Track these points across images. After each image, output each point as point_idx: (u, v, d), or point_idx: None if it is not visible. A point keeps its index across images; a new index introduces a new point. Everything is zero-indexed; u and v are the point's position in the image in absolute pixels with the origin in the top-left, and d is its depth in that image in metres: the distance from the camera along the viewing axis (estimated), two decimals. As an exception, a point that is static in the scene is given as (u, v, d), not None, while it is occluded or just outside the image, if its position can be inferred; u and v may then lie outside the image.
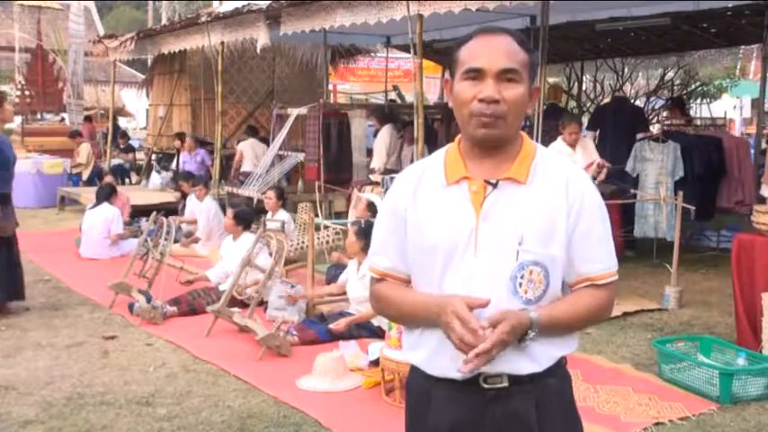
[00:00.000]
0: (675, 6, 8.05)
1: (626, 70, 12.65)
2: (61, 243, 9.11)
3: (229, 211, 7.04)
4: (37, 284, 7.16)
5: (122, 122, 22.99)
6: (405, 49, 10.90)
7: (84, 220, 8.66)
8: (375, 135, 9.98)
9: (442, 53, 11.00)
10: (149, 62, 15.21)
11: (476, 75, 1.73)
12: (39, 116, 16.28)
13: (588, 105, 13.36)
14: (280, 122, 10.56)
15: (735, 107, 21.71)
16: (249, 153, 11.13)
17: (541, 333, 1.72)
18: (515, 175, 1.76)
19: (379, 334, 5.21)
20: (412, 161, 8.14)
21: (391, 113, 10.36)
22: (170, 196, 11.17)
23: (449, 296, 1.71)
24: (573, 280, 1.80)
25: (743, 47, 11.30)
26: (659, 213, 7.68)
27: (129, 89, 21.70)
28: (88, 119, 16.32)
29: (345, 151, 9.87)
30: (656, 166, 7.95)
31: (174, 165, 12.24)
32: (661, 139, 8.12)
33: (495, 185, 1.75)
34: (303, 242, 7.58)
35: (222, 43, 9.84)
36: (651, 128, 9.51)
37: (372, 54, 14.56)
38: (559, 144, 6.98)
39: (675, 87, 13.49)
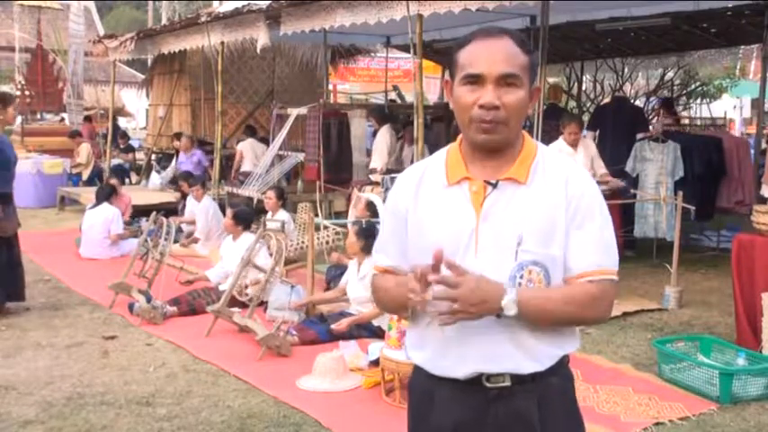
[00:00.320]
0: (675, 6, 8.05)
1: (626, 70, 12.65)
2: (61, 243, 9.11)
3: (229, 212, 7.04)
4: (37, 284, 7.16)
5: (122, 122, 22.99)
6: (405, 49, 10.90)
7: (83, 220, 8.66)
8: (374, 135, 9.97)
9: (442, 53, 11.01)
10: (149, 62, 15.21)
11: (475, 80, 1.72)
12: (39, 116, 16.28)
13: (588, 105, 13.36)
14: (280, 122, 10.56)
15: (735, 107, 21.71)
16: (249, 153, 11.13)
17: (522, 309, 1.67)
18: (515, 175, 1.76)
19: (379, 334, 5.21)
20: (412, 161, 8.15)
21: (390, 114, 10.35)
22: (170, 196, 11.17)
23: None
24: (567, 276, 1.77)
25: (743, 47, 11.31)
26: (659, 213, 7.69)
27: (129, 89, 21.70)
28: (88, 119, 16.31)
29: (345, 151, 9.88)
30: (656, 166, 7.95)
31: (171, 165, 12.24)
32: (661, 139, 8.12)
33: (494, 186, 1.75)
34: (303, 242, 7.58)
35: (222, 43, 9.84)
36: (650, 127, 9.49)
37: (372, 54, 14.56)
38: (560, 144, 6.98)
39: (675, 87, 13.50)
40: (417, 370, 1.89)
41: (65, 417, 4.12)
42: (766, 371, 4.45)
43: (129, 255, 7.23)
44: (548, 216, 1.74)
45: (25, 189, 12.49)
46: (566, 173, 1.78)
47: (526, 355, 1.74)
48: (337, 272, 6.69)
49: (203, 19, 9.91)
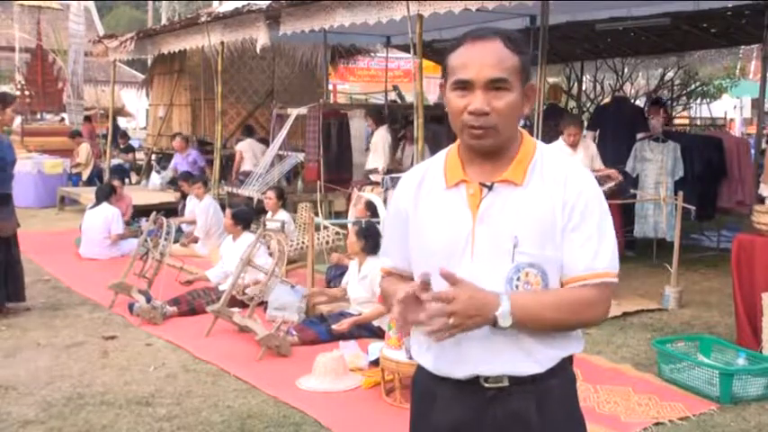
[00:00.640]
0: (675, 6, 8.05)
1: (626, 70, 12.65)
2: (61, 243, 9.12)
3: (228, 212, 7.04)
4: (37, 284, 7.16)
5: (122, 122, 22.99)
6: (405, 49, 10.90)
7: (83, 220, 8.66)
8: (370, 135, 9.95)
9: (441, 53, 10.97)
10: (149, 62, 15.21)
11: (464, 86, 1.72)
12: (39, 116, 16.27)
13: (588, 105, 13.36)
14: (280, 122, 10.56)
15: (735, 107, 21.71)
16: (248, 153, 11.14)
17: (517, 317, 1.65)
18: (511, 177, 1.75)
19: (379, 334, 5.21)
20: (412, 161, 8.15)
21: (389, 113, 10.34)
22: (170, 196, 11.18)
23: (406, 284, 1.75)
24: (564, 278, 1.75)
25: (743, 47, 11.32)
26: (659, 213, 7.69)
27: (129, 89, 21.69)
28: (88, 119, 16.32)
29: (345, 151, 9.89)
30: (656, 166, 7.95)
31: (171, 165, 12.24)
32: (661, 139, 8.13)
33: (490, 188, 1.75)
34: (303, 242, 7.58)
35: (222, 43, 9.84)
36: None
37: (372, 54, 14.56)
38: (560, 144, 6.96)
39: (675, 87, 13.50)
40: (420, 369, 1.89)
41: (65, 417, 4.12)
42: (766, 371, 4.45)
43: (129, 255, 7.23)
44: (544, 217, 1.73)
45: (25, 189, 12.49)
46: (565, 172, 1.76)
47: (526, 357, 1.74)
48: (337, 272, 6.69)
49: (203, 19, 9.92)
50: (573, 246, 1.73)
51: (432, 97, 16.25)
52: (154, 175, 12.82)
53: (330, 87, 16.40)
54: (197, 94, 13.13)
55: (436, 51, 10.79)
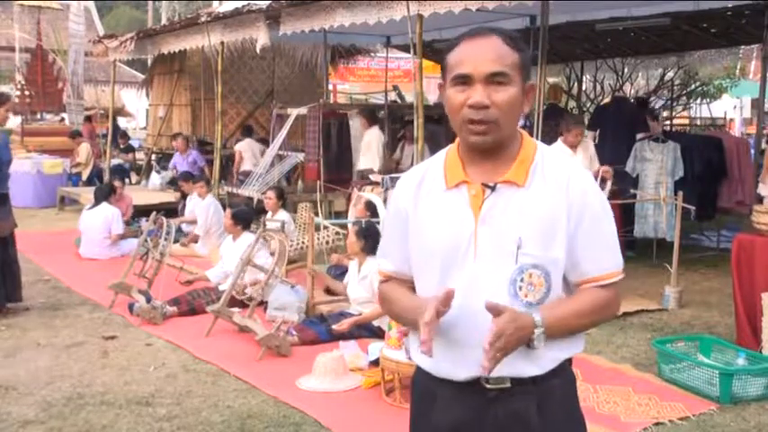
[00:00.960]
0: (675, 6, 8.05)
1: (626, 70, 12.66)
2: (61, 243, 9.12)
3: (228, 212, 7.04)
4: (37, 284, 7.16)
5: (122, 122, 22.99)
6: (405, 49, 10.89)
7: (81, 220, 8.65)
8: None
9: (441, 53, 10.99)
10: (149, 62, 15.21)
11: (464, 80, 1.71)
12: (39, 116, 16.28)
13: (588, 105, 13.37)
14: (280, 122, 10.56)
15: (735, 107, 21.71)
16: (248, 153, 11.14)
17: (548, 333, 1.69)
18: (513, 177, 1.75)
19: (379, 334, 5.21)
20: (412, 161, 8.15)
21: (387, 114, 10.33)
22: (170, 196, 11.18)
23: (425, 299, 1.72)
24: (577, 280, 1.79)
25: (743, 47, 11.32)
26: (659, 213, 7.68)
27: (129, 89, 21.69)
28: (89, 119, 16.32)
29: (345, 151, 9.88)
30: (656, 166, 7.95)
31: (170, 165, 12.24)
32: (661, 139, 8.12)
33: (492, 189, 1.74)
34: (303, 242, 7.58)
35: (222, 43, 9.84)
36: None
37: (372, 54, 14.55)
38: (559, 146, 6.93)
39: (675, 87, 13.51)
40: (420, 369, 1.89)
41: (65, 417, 4.12)
42: (766, 371, 4.45)
43: (129, 255, 7.23)
44: (547, 218, 1.73)
45: (25, 189, 12.50)
46: (567, 174, 1.77)
47: (527, 359, 1.73)
48: (337, 272, 6.69)
49: (203, 19, 9.91)
50: (586, 247, 1.75)
51: (432, 97, 16.24)
52: (154, 175, 12.82)
53: (330, 87, 16.40)
54: (197, 94, 13.13)
55: (436, 51, 10.78)
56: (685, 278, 7.10)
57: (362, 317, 5.30)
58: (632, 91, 13.89)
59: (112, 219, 8.45)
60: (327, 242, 7.46)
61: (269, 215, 7.75)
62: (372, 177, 8.93)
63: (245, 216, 6.93)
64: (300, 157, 10.17)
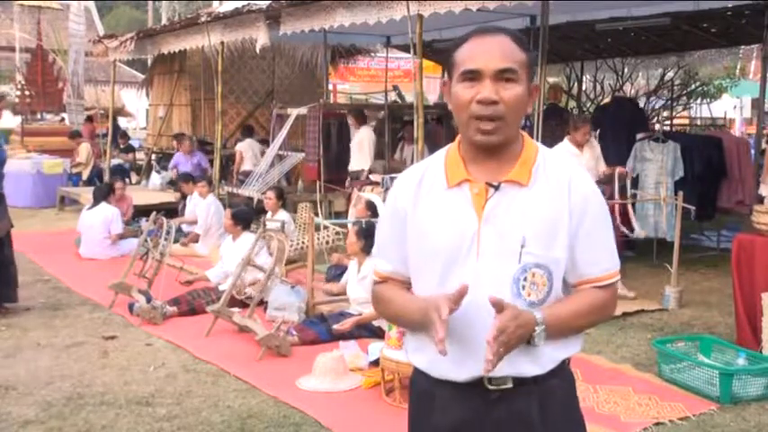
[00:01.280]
0: (675, 6, 8.05)
1: (626, 70, 12.65)
2: (61, 243, 9.11)
3: (228, 211, 7.04)
4: (37, 284, 7.16)
5: (122, 122, 22.99)
6: (405, 49, 10.90)
7: (80, 220, 8.65)
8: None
9: (441, 53, 11.00)
10: (149, 62, 15.21)
11: (473, 76, 1.71)
12: (39, 116, 16.28)
13: (588, 105, 13.37)
14: (280, 122, 10.57)
15: (735, 107, 21.71)
16: (248, 153, 11.14)
17: (549, 332, 1.70)
18: (517, 177, 1.75)
19: (379, 334, 5.21)
20: (412, 161, 8.15)
21: (386, 114, 10.34)
22: (170, 196, 11.18)
23: (432, 297, 1.70)
24: (575, 281, 1.80)
25: (743, 47, 11.32)
26: (659, 213, 7.68)
27: (129, 89, 21.69)
28: (89, 119, 16.33)
29: (345, 151, 9.87)
30: (656, 166, 7.94)
31: (171, 164, 12.23)
32: (661, 139, 8.12)
33: (496, 188, 1.74)
34: (303, 242, 7.58)
35: (222, 43, 9.84)
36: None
37: (372, 54, 14.56)
38: (566, 145, 6.84)
39: (675, 87, 13.51)
40: (417, 372, 1.88)
41: (65, 417, 4.12)
42: (766, 371, 4.45)
43: (129, 255, 7.23)
44: (550, 218, 1.73)
45: (25, 189, 12.51)
46: (568, 175, 1.77)
47: (528, 359, 1.73)
48: (337, 272, 6.70)
49: (203, 19, 9.91)
50: (585, 248, 1.76)
51: (432, 97, 16.24)
52: (154, 175, 12.82)
53: (330, 87, 16.40)
54: (197, 94, 13.14)
55: (436, 51, 10.80)
56: (685, 278, 7.10)
57: (364, 316, 5.29)
58: (632, 91, 13.88)
59: (112, 218, 8.45)
60: (327, 242, 7.46)
61: (269, 215, 7.75)
62: (372, 177, 8.94)
63: (245, 216, 6.94)
64: (300, 157, 10.18)
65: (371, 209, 6.69)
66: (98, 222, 8.42)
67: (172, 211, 9.67)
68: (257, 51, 9.46)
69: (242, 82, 13.57)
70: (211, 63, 10.88)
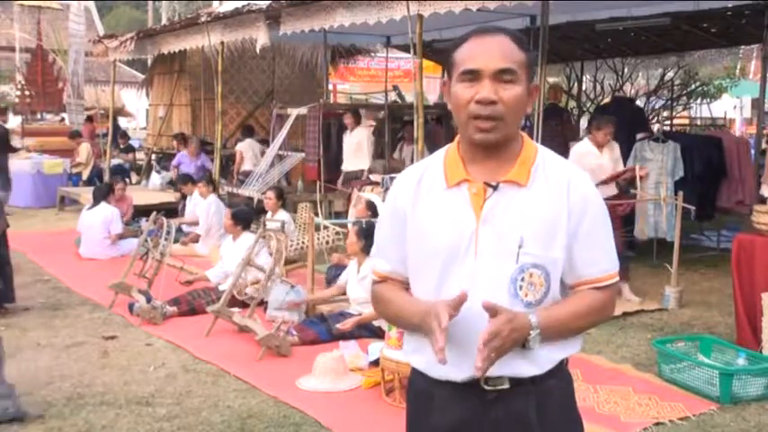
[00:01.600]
0: (675, 6, 8.05)
1: (626, 70, 12.66)
2: (61, 243, 9.11)
3: (228, 212, 7.04)
4: (37, 284, 7.16)
5: (122, 122, 23.00)
6: (405, 49, 10.90)
7: (80, 220, 8.65)
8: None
9: (441, 53, 11.00)
10: (149, 62, 15.21)
11: (472, 76, 1.71)
12: (39, 116, 16.28)
13: (588, 105, 13.37)
14: (280, 122, 10.57)
15: (735, 107, 21.71)
16: (249, 153, 11.14)
17: (544, 335, 1.70)
18: (516, 177, 1.75)
19: (379, 334, 5.21)
20: (412, 161, 8.15)
21: (387, 114, 10.33)
22: (170, 196, 11.18)
23: (432, 303, 1.71)
24: (573, 282, 1.80)
25: (743, 47, 11.32)
26: (659, 213, 7.67)
27: (129, 89, 21.70)
28: (89, 119, 16.33)
29: (345, 151, 9.87)
30: (656, 166, 7.93)
31: (172, 164, 12.23)
32: (661, 139, 8.12)
33: (495, 188, 1.74)
34: (303, 242, 7.58)
35: (222, 43, 9.84)
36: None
37: (372, 54, 14.56)
38: (586, 143, 6.76)
39: (675, 87, 13.51)
40: (416, 372, 1.88)
41: (65, 417, 4.12)
42: (766, 371, 4.45)
43: (129, 255, 7.23)
44: (548, 219, 1.73)
45: (25, 189, 12.51)
46: (568, 176, 1.77)
47: (526, 360, 1.73)
48: (337, 272, 6.69)
49: (203, 19, 9.92)
50: (584, 250, 1.76)
51: (432, 97, 16.24)
52: (154, 175, 12.82)
53: (330, 87, 16.40)
54: (197, 94, 13.14)
55: (436, 51, 10.81)
56: (685, 278, 7.10)
57: (365, 316, 5.29)
58: (632, 91, 13.88)
59: (112, 218, 8.45)
60: (327, 242, 7.46)
61: (269, 215, 7.76)
62: (372, 177, 8.94)
63: (245, 216, 6.93)
64: (300, 157, 10.17)
65: (371, 209, 6.69)
66: (98, 222, 8.42)
67: (172, 211, 9.67)
68: (257, 51, 9.46)
69: (242, 82, 13.57)
70: (211, 63, 10.88)
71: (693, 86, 14.20)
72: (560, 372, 1.82)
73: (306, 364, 4.76)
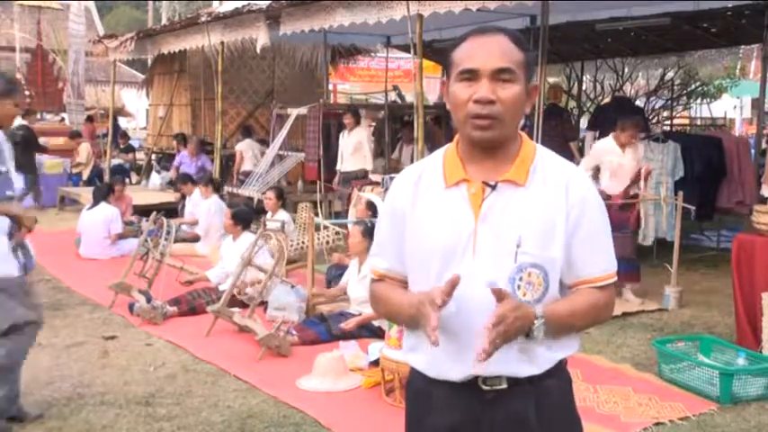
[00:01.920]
0: (675, 6, 8.06)
1: (626, 70, 12.66)
2: (61, 243, 9.10)
3: (227, 212, 7.04)
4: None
5: (122, 122, 23.00)
6: (405, 49, 10.90)
7: (80, 220, 8.65)
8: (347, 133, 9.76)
9: (441, 53, 10.99)
10: (149, 62, 15.22)
11: (470, 76, 1.71)
12: (39, 116, 16.27)
13: (588, 105, 13.38)
14: (280, 122, 10.57)
15: (735, 107, 21.72)
16: (248, 153, 11.14)
17: (547, 329, 1.70)
18: (514, 177, 1.75)
19: (379, 334, 5.21)
20: (412, 161, 8.15)
21: (387, 114, 10.33)
22: (170, 196, 11.18)
23: (424, 291, 1.70)
24: (572, 282, 1.80)
25: (743, 47, 11.32)
26: (659, 213, 7.68)
27: (129, 89, 21.70)
28: (90, 119, 16.33)
29: (345, 151, 9.86)
30: (657, 166, 7.94)
31: (173, 166, 12.23)
32: (661, 139, 8.12)
33: (493, 187, 1.74)
34: (303, 242, 7.58)
35: (222, 43, 9.84)
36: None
37: (372, 54, 14.56)
38: (609, 141, 6.66)
39: (675, 87, 13.52)
40: (414, 371, 1.88)
41: (65, 417, 4.12)
42: (766, 371, 4.45)
43: (129, 255, 7.23)
44: (547, 218, 1.74)
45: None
46: (567, 176, 1.77)
47: (524, 359, 1.74)
48: (337, 272, 6.69)
49: (203, 19, 9.92)
50: (583, 249, 1.76)
51: (432, 97, 16.25)
52: (154, 175, 12.82)
53: (330, 87, 16.41)
54: (197, 94, 13.14)
55: (436, 51, 10.81)
56: (685, 278, 7.10)
57: (368, 316, 5.28)
58: (632, 91, 13.89)
59: (112, 218, 8.45)
60: (327, 242, 7.46)
61: (269, 215, 7.76)
62: (372, 177, 8.94)
63: (245, 216, 6.93)
64: (300, 157, 10.17)
65: (372, 209, 6.69)
66: (98, 222, 8.42)
67: (172, 211, 9.67)
68: (257, 51, 9.47)
69: (242, 82, 13.57)
70: (211, 63, 10.89)
71: (693, 86, 14.21)
72: (559, 372, 1.82)
73: (306, 364, 4.76)
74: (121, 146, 15.54)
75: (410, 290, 1.86)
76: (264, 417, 4.12)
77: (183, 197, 10.05)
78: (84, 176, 13.67)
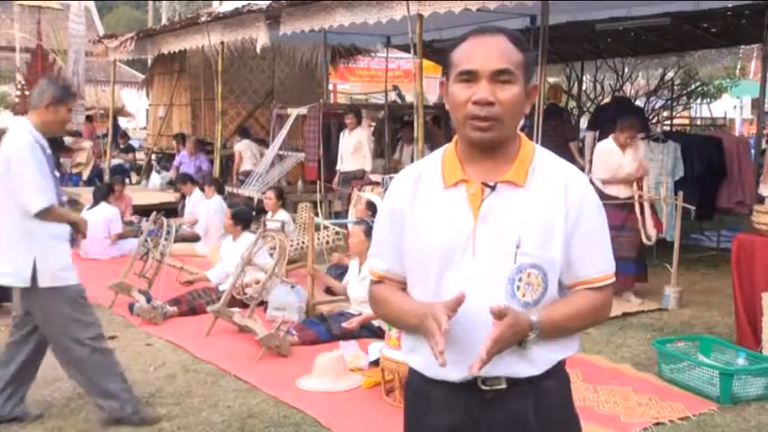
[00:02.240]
0: (675, 6, 8.06)
1: (626, 70, 12.66)
2: (61, 243, 9.10)
3: (227, 212, 7.04)
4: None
5: (122, 122, 22.99)
6: (405, 49, 10.90)
7: (80, 221, 8.64)
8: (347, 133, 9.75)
9: (441, 53, 10.98)
10: (149, 62, 15.21)
11: (469, 77, 1.71)
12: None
13: (588, 105, 13.37)
14: (280, 122, 10.58)
15: (735, 107, 21.71)
16: (247, 153, 11.15)
17: (542, 335, 1.70)
18: (513, 177, 1.75)
19: (379, 334, 5.21)
20: (412, 161, 8.15)
21: (387, 114, 10.32)
22: (170, 196, 11.18)
23: (430, 304, 1.71)
24: (571, 282, 1.80)
25: (743, 47, 11.33)
26: (659, 213, 7.67)
27: (129, 89, 21.69)
28: (89, 119, 16.32)
29: (345, 151, 9.86)
30: (657, 166, 7.93)
31: (173, 166, 12.24)
32: (661, 139, 8.12)
33: (493, 188, 1.74)
34: (303, 242, 7.58)
35: (222, 43, 9.85)
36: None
37: (372, 54, 14.56)
38: (609, 142, 6.69)
39: (675, 87, 13.52)
40: (413, 371, 1.88)
41: (65, 417, 4.12)
42: (766, 371, 4.45)
43: (129, 255, 7.23)
44: (546, 219, 1.73)
45: (25, 189, 12.45)
46: (566, 177, 1.77)
47: (523, 360, 1.74)
48: (337, 272, 6.69)
49: (203, 19, 9.93)
50: (581, 250, 1.76)
51: (432, 97, 16.25)
52: (154, 175, 12.82)
53: (330, 87, 16.41)
54: (197, 94, 13.14)
55: (436, 51, 10.81)
56: (685, 278, 7.10)
57: (368, 316, 5.28)
58: (632, 91, 13.89)
59: (112, 218, 8.45)
60: (327, 242, 7.46)
61: (269, 215, 7.76)
62: (372, 177, 8.94)
63: (245, 216, 6.93)
64: (300, 157, 10.17)
65: (372, 209, 6.69)
66: (98, 222, 8.41)
67: (172, 211, 9.67)
68: (257, 51, 9.47)
69: (242, 82, 13.57)
70: (211, 63, 10.89)
71: (693, 86, 14.20)
72: (558, 372, 1.82)
73: (306, 364, 4.75)
74: (121, 146, 15.53)
75: (411, 293, 1.85)
76: (264, 417, 4.12)
77: (183, 197, 10.05)
78: (84, 176, 13.67)
